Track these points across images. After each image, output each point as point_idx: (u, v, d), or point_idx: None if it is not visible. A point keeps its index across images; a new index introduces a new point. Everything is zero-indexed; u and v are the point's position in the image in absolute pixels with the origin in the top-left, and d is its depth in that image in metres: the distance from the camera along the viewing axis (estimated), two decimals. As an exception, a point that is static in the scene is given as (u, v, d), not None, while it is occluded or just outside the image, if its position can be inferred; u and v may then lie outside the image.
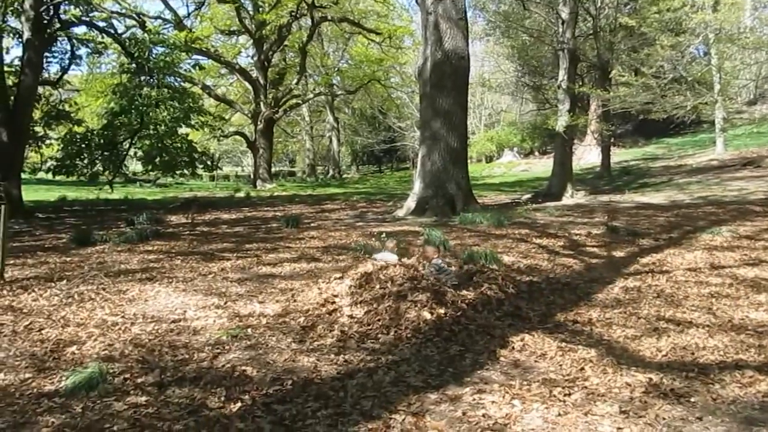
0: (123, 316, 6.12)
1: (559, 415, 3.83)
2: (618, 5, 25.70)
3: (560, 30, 21.02)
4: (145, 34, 20.27)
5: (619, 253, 9.71)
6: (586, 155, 34.25)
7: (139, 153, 20.98)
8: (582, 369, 4.62)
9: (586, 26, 26.61)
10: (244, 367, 4.62)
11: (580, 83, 24.32)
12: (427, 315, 5.60)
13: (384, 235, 9.87)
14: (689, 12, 28.23)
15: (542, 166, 35.61)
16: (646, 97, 24.57)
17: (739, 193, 17.93)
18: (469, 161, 19.59)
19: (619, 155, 33.61)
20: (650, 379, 4.36)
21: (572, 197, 20.04)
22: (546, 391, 4.17)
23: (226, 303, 6.69)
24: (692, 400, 4.04)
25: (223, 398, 4.07)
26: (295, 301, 6.66)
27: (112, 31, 20.93)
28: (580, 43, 24.26)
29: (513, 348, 5.17)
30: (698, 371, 4.53)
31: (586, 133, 33.36)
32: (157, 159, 19.45)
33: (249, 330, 5.63)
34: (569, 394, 4.12)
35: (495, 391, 4.20)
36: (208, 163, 23.93)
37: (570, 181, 20.95)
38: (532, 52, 33.62)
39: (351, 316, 5.75)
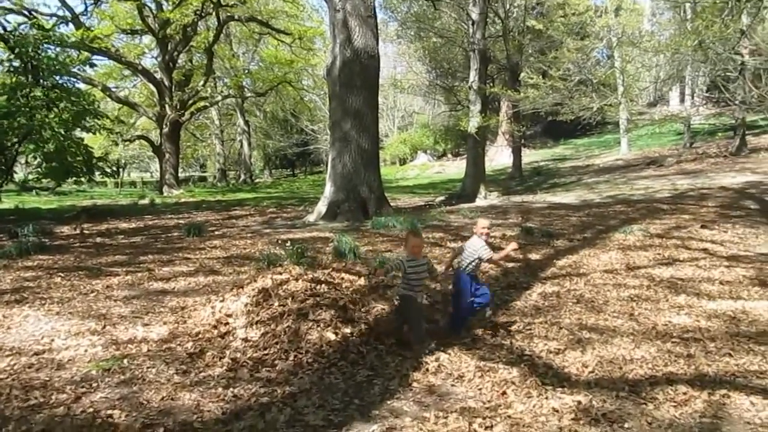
0: (-25, 349, 5.19)
1: (481, 454, 3.31)
2: (526, 8, 25.98)
3: (471, 31, 20.91)
4: (30, 30, 18.70)
5: (535, 256, 9.41)
6: (498, 156, 34.59)
7: (32, 159, 19.37)
8: (504, 393, 4.12)
9: (496, 29, 26.78)
10: (110, 411, 3.86)
11: (491, 84, 24.41)
12: (330, 336, 4.98)
13: (288, 243, 9.16)
14: (593, 16, 28.96)
15: (456, 167, 35.73)
16: (554, 99, 24.93)
17: (645, 191, 18.27)
18: (382, 164, 19.19)
19: (530, 156, 34.11)
20: (579, 402, 3.91)
21: (486, 198, 19.93)
22: (465, 425, 3.64)
23: (104, 327, 5.84)
24: (626, 425, 3.61)
25: (76, 456, 3.32)
26: (185, 322, 5.90)
27: (-5, 27, 19.28)
28: (491, 44, 24.33)
29: (427, 370, 4.63)
30: (629, 389, 4.13)
31: (498, 134, 33.72)
32: (44, 165, 17.92)
33: (126, 360, 4.84)
34: (491, 427, 3.61)
35: (407, 428, 3.63)
36: (108, 169, 22.36)
37: (483, 182, 20.85)
38: (444, 53, 33.69)
39: (245, 339, 5.06)
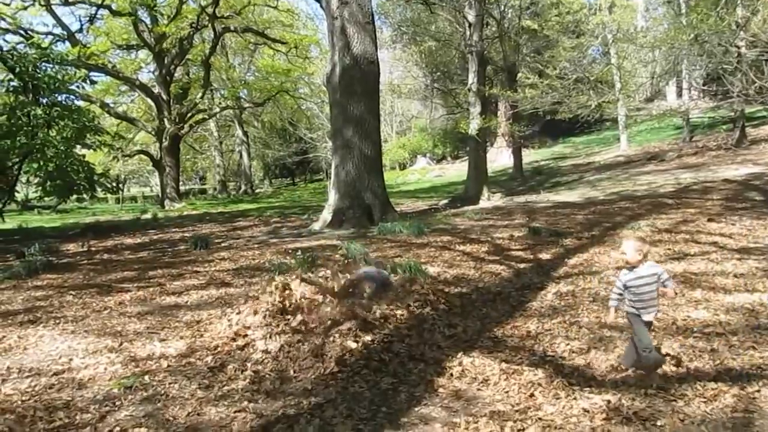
0: (-6, 372, 5.16)
1: (516, 458, 3.28)
2: (521, 8, 26.02)
3: (467, 33, 20.93)
4: (28, 48, 18.70)
5: (545, 256, 9.38)
6: (498, 157, 34.59)
7: (34, 178, 19.31)
8: (532, 395, 4.10)
9: (491, 30, 26.83)
10: (137, 429, 3.83)
11: (490, 86, 24.42)
12: (352, 344, 4.95)
13: (298, 252, 9.14)
14: (587, 14, 29.01)
15: (455, 170, 35.76)
16: (552, 98, 24.95)
17: (649, 186, 18.25)
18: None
19: (530, 156, 34.14)
20: (608, 401, 3.88)
21: (489, 200, 19.92)
22: (497, 429, 3.61)
23: (121, 344, 5.81)
24: (659, 423, 3.58)
25: (108, 475, 3.29)
26: (201, 336, 5.87)
27: (-7, 48, 19.21)
28: (487, 46, 24.37)
29: (451, 375, 4.60)
30: (657, 387, 4.10)
31: (497, 135, 33.72)
32: (48, 183, 17.87)
33: (146, 377, 4.81)
34: (523, 430, 3.58)
35: (438, 433, 3.61)
36: (109, 185, 22.33)
37: (486, 183, 20.85)
38: (440, 56, 33.71)
39: (266, 351, 5.03)
